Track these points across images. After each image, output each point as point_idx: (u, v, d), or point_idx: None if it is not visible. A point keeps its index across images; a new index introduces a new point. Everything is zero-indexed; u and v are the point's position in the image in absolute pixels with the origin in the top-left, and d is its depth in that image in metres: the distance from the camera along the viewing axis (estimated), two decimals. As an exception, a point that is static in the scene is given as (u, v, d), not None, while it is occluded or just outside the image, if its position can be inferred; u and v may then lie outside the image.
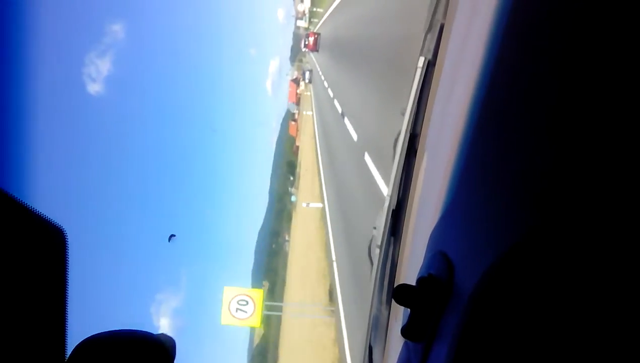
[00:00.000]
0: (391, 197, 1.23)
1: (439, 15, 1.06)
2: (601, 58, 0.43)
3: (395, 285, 0.79)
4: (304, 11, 65.21)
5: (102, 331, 0.63)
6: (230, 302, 12.23)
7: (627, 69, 0.41)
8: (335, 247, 13.16)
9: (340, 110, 13.85)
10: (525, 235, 0.47)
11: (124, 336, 0.63)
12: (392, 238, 1.23)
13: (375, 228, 1.33)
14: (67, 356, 0.62)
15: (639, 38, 0.40)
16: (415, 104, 1.15)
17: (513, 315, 0.47)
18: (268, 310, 14.27)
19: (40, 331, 0.60)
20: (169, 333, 0.71)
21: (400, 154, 1.19)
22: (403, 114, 1.20)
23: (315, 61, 37.55)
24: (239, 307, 12.24)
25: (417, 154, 1.11)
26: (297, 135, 59.26)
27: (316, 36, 33.78)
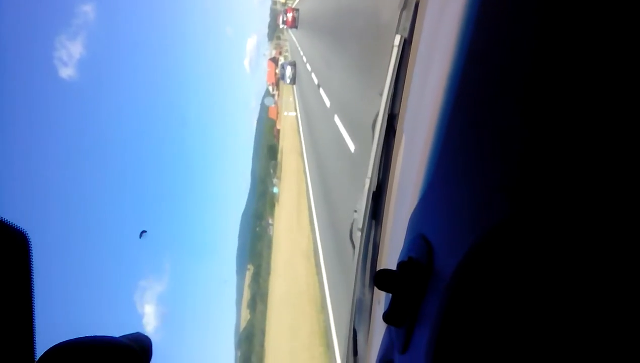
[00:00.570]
0: (371, 179, 1.22)
1: None
2: (579, 35, 0.43)
3: (377, 269, 0.79)
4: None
5: (69, 338, 0.61)
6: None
7: (606, 46, 0.41)
8: (320, 236, 13.17)
9: (328, 105, 13.30)
10: (504, 217, 0.47)
11: (89, 343, 0.62)
12: (373, 221, 1.23)
13: (356, 211, 1.33)
14: None
15: (615, 19, 0.40)
16: (393, 83, 1.13)
17: (492, 297, 0.48)
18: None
19: (5, 341, 0.59)
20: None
21: (379, 135, 1.18)
22: (381, 95, 1.18)
23: (295, 40, 35.47)
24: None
25: (396, 134, 1.10)
26: (277, 118, 58.50)
27: (295, 12, 32.39)
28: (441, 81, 0.68)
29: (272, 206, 52.74)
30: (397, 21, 1.15)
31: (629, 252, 0.39)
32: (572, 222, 0.42)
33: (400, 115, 1.09)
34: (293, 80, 27.69)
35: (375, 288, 1.08)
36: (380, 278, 0.69)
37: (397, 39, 1.11)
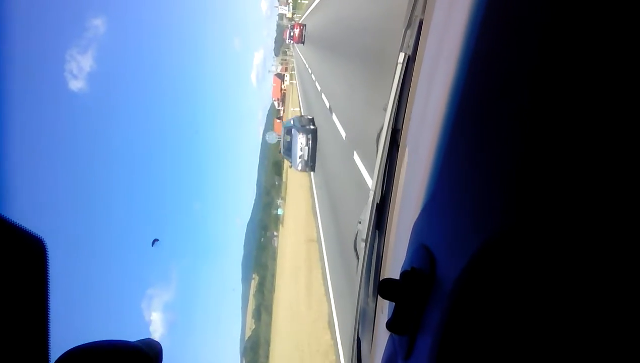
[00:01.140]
0: (375, 191, 1.24)
1: (418, 11, 1.06)
2: (579, 55, 0.44)
3: (380, 278, 0.80)
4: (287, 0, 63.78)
5: (84, 343, 0.62)
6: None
7: (606, 66, 0.42)
8: (326, 250, 12.56)
9: (344, 135, 11.61)
10: (506, 228, 0.48)
11: (104, 347, 0.63)
12: (377, 232, 1.24)
13: (360, 222, 1.34)
14: None
15: (616, 33, 0.41)
16: (397, 99, 1.16)
17: (493, 306, 0.48)
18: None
19: (20, 346, 0.59)
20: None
21: (383, 149, 1.19)
22: (385, 110, 1.21)
23: (301, 56, 34.39)
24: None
25: (400, 148, 1.12)
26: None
27: (301, 27, 31.87)
28: (443, 97, 0.70)
29: (277, 220, 51.64)
30: (401, 39, 1.17)
31: (631, 260, 0.40)
32: (572, 235, 0.43)
33: (403, 130, 1.11)
34: (308, 166, 14.38)
35: (379, 297, 1.09)
36: (384, 288, 0.70)
37: (401, 57, 1.14)
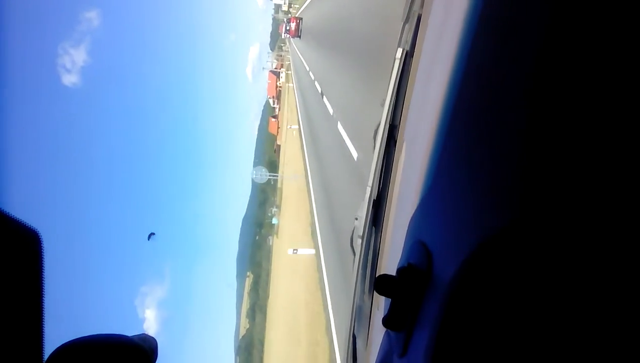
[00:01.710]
0: (372, 187, 1.24)
1: (416, 6, 1.06)
2: (580, 50, 0.44)
3: (377, 275, 0.80)
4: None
5: (79, 336, 0.62)
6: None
7: (605, 58, 0.42)
8: (323, 250, 12.58)
9: (331, 112, 12.11)
10: (503, 224, 0.48)
11: (100, 341, 0.63)
12: (373, 228, 1.24)
13: (356, 218, 1.35)
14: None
15: (615, 29, 0.41)
16: (394, 95, 1.15)
17: (490, 303, 0.48)
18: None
19: (15, 337, 0.59)
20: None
21: (380, 145, 1.19)
22: (382, 105, 1.21)
23: (297, 50, 33.57)
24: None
25: (397, 144, 1.12)
26: (277, 133, 56.41)
27: (298, 21, 31.64)
28: (441, 93, 0.70)
29: (271, 228, 51.28)
30: (399, 34, 1.17)
31: (630, 257, 0.40)
32: (570, 231, 0.43)
33: (401, 126, 1.10)
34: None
35: (375, 294, 1.09)
36: (381, 283, 0.70)
37: (399, 52, 1.13)
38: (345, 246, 8.38)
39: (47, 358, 0.60)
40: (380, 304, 0.97)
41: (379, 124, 1.22)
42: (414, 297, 0.65)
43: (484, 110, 0.58)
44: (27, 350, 0.60)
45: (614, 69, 0.41)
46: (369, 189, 1.24)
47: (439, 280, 0.58)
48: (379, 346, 0.92)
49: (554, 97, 0.45)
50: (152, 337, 0.71)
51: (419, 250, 0.67)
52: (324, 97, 14.74)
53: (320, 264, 12.77)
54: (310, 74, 20.86)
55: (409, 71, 1.07)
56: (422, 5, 1.03)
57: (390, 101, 1.16)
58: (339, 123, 10.65)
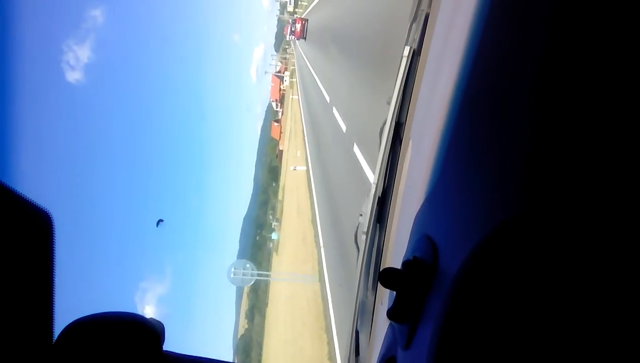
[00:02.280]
0: (377, 184, 1.24)
1: (424, 5, 1.07)
2: (586, 48, 0.44)
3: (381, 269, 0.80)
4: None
5: (90, 314, 0.62)
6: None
7: (613, 58, 0.42)
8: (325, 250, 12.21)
9: (344, 129, 10.56)
10: (508, 218, 0.48)
11: (113, 318, 0.63)
12: (377, 225, 1.25)
13: (361, 215, 1.35)
14: (55, 339, 0.62)
15: (621, 27, 0.42)
16: (401, 93, 1.16)
17: (496, 296, 0.48)
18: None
19: (27, 314, 0.60)
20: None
21: (386, 143, 1.20)
22: (389, 103, 1.21)
23: (303, 54, 32.54)
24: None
25: (403, 142, 1.12)
26: (280, 137, 55.27)
27: (304, 22, 30.84)
28: (448, 91, 0.70)
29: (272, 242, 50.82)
30: (406, 33, 1.18)
31: (635, 252, 0.40)
32: (575, 223, 0.43)
33: (407, 123, 1.11)
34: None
35: (378, 290, 1.10)
36: (386, 276, 0.70)
37: (407, 50, 1.14)
38: (347, 256, 8.18)
39: (59, 334, 0.61)
40: (384, 299, 0.97)
41: (384, 122, 1.22)
42: (419, 290, 0.65)
43: (490, 108, 0.58)
44: (37, 327, 0.61)
45: (617, 71, 0.42)
46: (374, 186, 1.25)
47: (444, 273, 0.58)
48: (382, 341, 0.93)
49: (561, 95, 0.45)
50: (159, 321, 0.71)
51: (425, 244, 0.68)
52: (334, 108, 13.07)
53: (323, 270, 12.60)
54: (318, 81, 19.18)
55: (416, 69, 1.07)
56: (430, 5, 1.03)
57: (397, 99, 1.17)
58: (355, 145, 8.78)
